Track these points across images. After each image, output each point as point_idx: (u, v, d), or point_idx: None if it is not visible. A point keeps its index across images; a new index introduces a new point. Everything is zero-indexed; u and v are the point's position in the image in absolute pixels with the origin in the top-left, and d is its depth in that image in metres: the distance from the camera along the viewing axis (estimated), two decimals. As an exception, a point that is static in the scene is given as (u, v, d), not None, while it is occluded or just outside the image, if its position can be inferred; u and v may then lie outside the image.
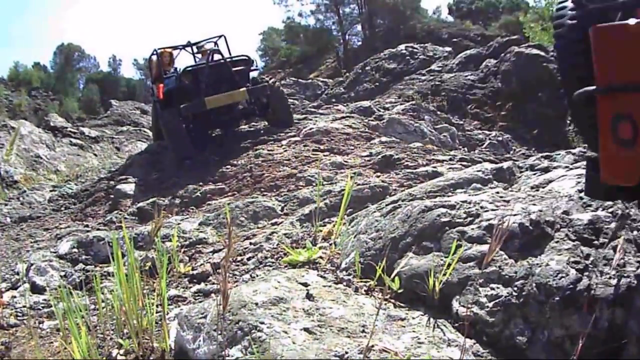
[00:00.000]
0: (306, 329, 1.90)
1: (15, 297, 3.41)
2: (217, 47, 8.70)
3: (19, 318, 3.01)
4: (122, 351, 2.28)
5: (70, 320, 2.06)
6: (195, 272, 3.33)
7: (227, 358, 1.87)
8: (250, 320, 1.95)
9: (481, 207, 2.38)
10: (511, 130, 9.24)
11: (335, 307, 2.07)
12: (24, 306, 3.17)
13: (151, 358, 2.24)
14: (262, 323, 1.92)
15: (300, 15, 33.37)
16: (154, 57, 8.50)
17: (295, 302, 2.10)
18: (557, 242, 2.09)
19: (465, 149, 6.96)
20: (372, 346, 1.71)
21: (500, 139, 7.86)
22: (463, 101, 10.40)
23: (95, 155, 12.37)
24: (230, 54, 8.30)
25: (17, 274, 3.88)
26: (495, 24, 31.07)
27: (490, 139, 7.67)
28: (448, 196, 2.82)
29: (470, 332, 1.86)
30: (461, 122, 8.62)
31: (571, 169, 2.90)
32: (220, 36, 8.68)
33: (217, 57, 7.94)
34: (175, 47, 8.83)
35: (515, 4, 33.63)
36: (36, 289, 3.50)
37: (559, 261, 1.97)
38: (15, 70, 38.90)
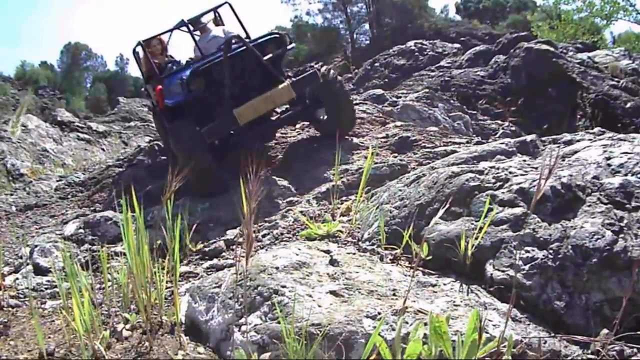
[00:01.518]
0: (332, 292, 1.78)
1: (17, 279, 3.29)
2: (220, 18, 6.27)
3: (20, 299, 2.87)
4: (128, 326, 2.15)
5: (75, 294, 1.91)
6: (207, 249, 3.23)
7: (244, 326, 1.75)
8: (270, 285, 1.83)
9: (510, 172, 2.28)
10: (521, 126, 9.11)
11: (362, 271, 1.95)
12: (26, 288, 3.05)
13: (160, 332, 2.12)
14: (284, 287, 1.81)
15: (308, 14, 33.39)
16: (140, 50, 5.95)
17: (319, 267, 1.98)
18: (589, 205, 2.01)
19: (479, 137, 6.84)
20: (407, 307, 1.60)
21: (513, 128, 7.75)
22: (473, 97, 10.29)
23: (103, 149, 12.29)
24: (243, 27, 5.95)
25: (21, 258, 3.76)
26: (503, 23, 30.99)
27: (503, 128, 7.56)
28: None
29: (507, 296, 1.75)
30: (474, 112, 8.52)
31: (595, 140, 2.78)
32: (223, 4, 6.05)
33: (225, 42, 4.84)
34: (164, 32, 6.10)
35: (523, 3, 33.55)
36: (39, 271, 3.38)
37: (594, 223, 1.89)
38: (22, 69, 39.04)
